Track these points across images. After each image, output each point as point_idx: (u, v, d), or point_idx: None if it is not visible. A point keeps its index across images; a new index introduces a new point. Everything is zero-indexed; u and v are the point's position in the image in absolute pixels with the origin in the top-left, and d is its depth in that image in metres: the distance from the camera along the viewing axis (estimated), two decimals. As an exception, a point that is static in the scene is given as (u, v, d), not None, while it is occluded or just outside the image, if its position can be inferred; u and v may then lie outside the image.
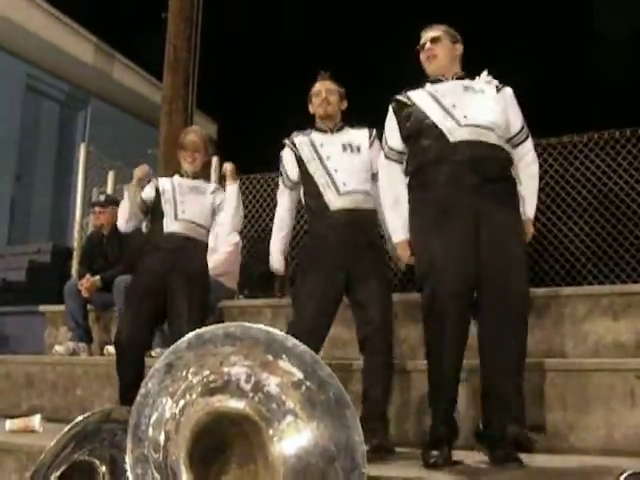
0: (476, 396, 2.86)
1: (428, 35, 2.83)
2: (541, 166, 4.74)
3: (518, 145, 2.74)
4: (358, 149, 3.09)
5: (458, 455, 2.62)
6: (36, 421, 3.31)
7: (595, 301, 3.46)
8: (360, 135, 3.14)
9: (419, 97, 2.79)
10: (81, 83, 8.98)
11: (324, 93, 3.13)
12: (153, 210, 3.55)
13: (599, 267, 4.61)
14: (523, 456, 2.47)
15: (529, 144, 2.78)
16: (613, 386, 2.78)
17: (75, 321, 4.69)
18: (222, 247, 4.58)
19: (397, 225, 2.78)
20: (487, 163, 2.59)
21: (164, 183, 3.60)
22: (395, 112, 2.83)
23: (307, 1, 12.73)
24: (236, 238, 4.73)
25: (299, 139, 3.17)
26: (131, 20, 10.33)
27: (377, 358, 2.87)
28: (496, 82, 2.79)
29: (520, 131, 2.74)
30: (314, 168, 3.08)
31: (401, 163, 2.81)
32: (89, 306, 4.80)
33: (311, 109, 3.21)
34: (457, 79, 2.79)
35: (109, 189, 6.21)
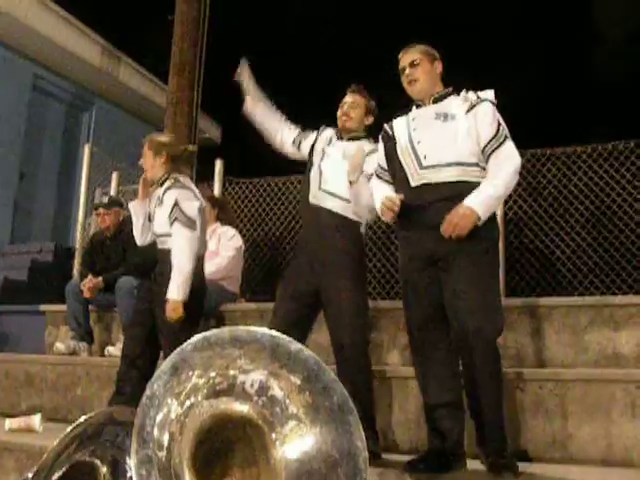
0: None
1: (407, 59, 2.78)
2: (544, 176, 4.81)
3: (491, 154, 2.57)
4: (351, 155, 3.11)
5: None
6: (36, 421, 3.31)
7: (596, 312, 3.47)
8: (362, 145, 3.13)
9: (399, 129, 2.76)
10: (87, 84, 9.01)
11: (346, 106, 3.17)
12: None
13: (601, 278, 4.61)
14: (521, 466, 2.48)
15: (506, 149, 2.57)
16: (614, 397, 2.79)
17: (77, 321, 4.70)
18: (224, 251, 4.60)
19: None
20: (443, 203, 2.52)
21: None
22: (383, 141, 2.85)
23: (313, 3, 12.77)
24: (239, 242, 4.73)
25: (326, 132, 3.24)
26: (137, 22, 10.37)
27: (349, 379, 2.85)
28: (473, 98, 2.65)
29: (491, 140, 2.57)
30: (313, 162, 3.16)
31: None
32: (90, 307, 4.81)
33: None
34: (434, 102, 2.73)
35: (112, 190, 6.22)
